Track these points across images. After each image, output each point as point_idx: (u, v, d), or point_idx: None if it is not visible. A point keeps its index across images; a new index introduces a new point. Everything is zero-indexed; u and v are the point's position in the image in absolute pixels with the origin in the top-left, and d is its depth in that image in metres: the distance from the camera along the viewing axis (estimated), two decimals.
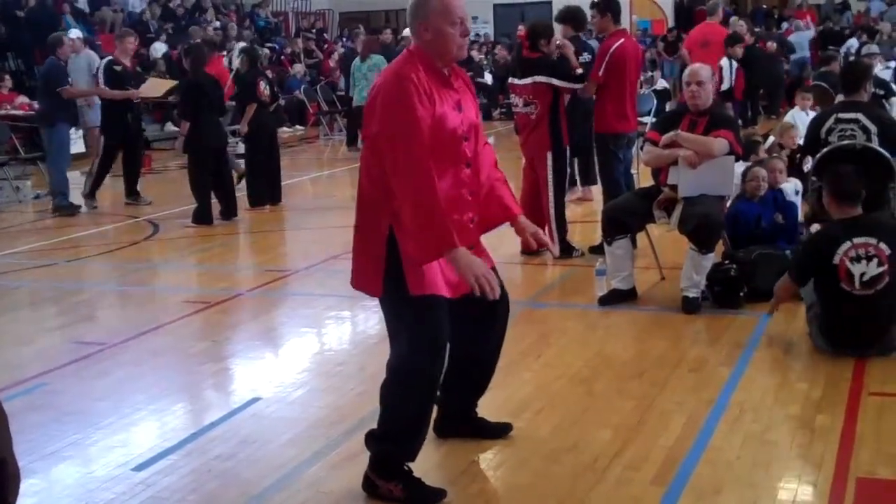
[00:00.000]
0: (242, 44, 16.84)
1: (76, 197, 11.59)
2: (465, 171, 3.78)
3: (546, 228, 7.87)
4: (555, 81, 7.65)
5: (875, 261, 5.16)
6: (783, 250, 6.44)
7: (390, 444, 3.86)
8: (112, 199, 12.06)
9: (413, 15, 3.73)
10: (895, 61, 18.13)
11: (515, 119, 8.18)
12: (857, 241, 5.20)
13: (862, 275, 5.16)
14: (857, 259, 5.17)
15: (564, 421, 4.58)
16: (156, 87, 11.64)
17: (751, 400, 4.74)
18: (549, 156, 7.73)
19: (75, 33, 14.14)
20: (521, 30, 7.72)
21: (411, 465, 3.89)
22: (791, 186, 7.31)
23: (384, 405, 3.87)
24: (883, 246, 5.18)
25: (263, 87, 10.98)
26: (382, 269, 3.69)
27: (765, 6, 26.77)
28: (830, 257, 5.21)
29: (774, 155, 7.72)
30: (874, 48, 16.48)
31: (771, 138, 9.70)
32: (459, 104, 3.76)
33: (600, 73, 7.75)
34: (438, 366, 3.78)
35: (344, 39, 24.85)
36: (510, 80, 8.09)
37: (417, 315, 3.70)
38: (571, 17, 8.56)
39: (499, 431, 4.38)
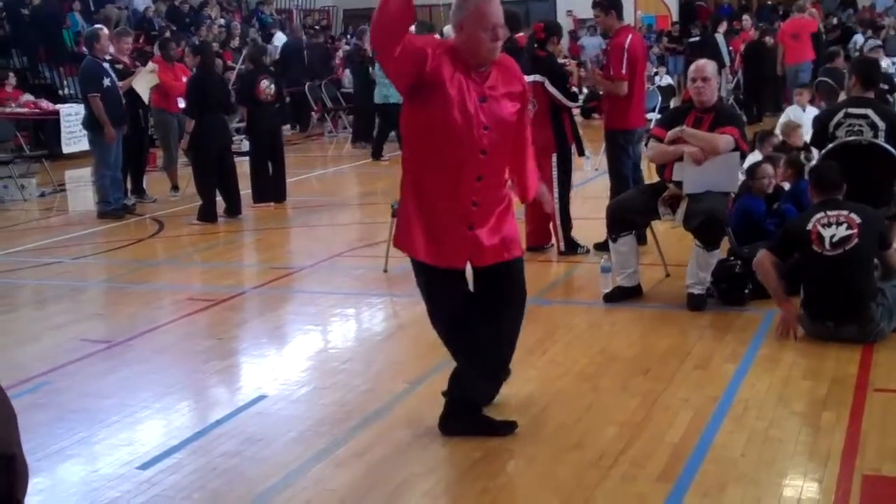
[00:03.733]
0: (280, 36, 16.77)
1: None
2: (479, 157, 4.09)
3: (551, 225, 7.88)
4: (548, 87, 7.59)
5: (844, 225, 5.42)
6: None
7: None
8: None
9: (453, 13, 4.11)
10: None
11: None
12: (830, 212, 5.49)
13: (832, 237, 5.41)
14: (828, 224, 5.46)
15: (569, 418, 4.57)
16: (144, 82, 11.39)
17: (756, 397, 4.73)
18: (555, 157, 7.70)
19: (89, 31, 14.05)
20: (521, 34, 7.66)
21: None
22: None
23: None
24: (854, 216, 5.45)
25: (265, 87, 10.90)
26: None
27: (770, 2, 26.70)
28: (805, 225, 5.51)
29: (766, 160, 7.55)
30: (877, 42, 16.45)
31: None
32: (485, 96, 4.07)
33: (623, 70, 7.70)
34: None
35: (349, 36, 24.78)
36: None
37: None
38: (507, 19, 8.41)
39: (504, 429, 4.39)
